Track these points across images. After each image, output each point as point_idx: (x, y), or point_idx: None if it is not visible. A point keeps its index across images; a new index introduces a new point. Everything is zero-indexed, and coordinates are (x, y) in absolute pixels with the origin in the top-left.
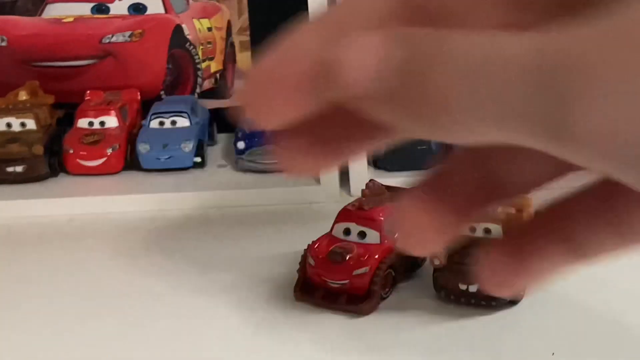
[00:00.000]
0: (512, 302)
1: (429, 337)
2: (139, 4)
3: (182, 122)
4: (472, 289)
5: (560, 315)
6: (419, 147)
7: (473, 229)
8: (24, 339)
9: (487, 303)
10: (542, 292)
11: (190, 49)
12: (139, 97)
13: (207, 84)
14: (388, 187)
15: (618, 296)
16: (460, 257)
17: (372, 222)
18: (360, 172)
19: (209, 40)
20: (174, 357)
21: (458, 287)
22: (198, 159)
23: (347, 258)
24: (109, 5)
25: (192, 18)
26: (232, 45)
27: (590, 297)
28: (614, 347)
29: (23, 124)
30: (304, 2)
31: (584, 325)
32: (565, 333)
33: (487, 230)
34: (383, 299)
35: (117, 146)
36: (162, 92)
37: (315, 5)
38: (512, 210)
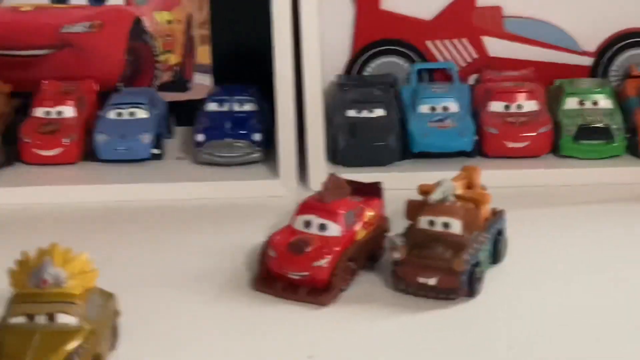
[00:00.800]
0: (470, 296)
1: (388, 329)
2: None
3: (141, 113)
4: (431, 282)
5: (516, 309)
6: (377, 144)
7: (432, 223)
8: None
9: (445, 296)
10: (499, 287)
11: (149, 41)
12: (97, 88)
13: (166, 77)
14: (348, 181)
15: (575, 290)
16: (419, 250)
17: (333, 215)
18: (319, 166)
19: (169, 34)
20: (133, 350)
21: (417, 280)
22: (156, 151)
23: (308, 250)
24: None
25: (153, 10)
26: (192, 38)
27: (547, 291)
28: (570, 339)
29: None
30: None
31: (539, 319)
32: (522, 327)
33: (446, 225)
34: (343, 290)
35: (74, 136)
36: (120, 84)
37: (277, 1)
38: (471, 206)
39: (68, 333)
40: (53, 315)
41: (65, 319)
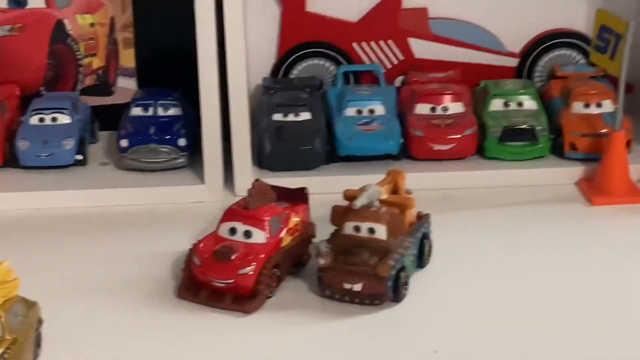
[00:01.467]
0: (396, 301)
1: (315, 335)
2: None
3: (63, 118)
4: (357, 287)
5: (441, 313)
6: (303, 148)
7: (358, 229)
8: None
9: (370, 301)
10: (424, 291)
11: (72, 44)
12: (19, 93)
13: (89, 81)
14: (273, 187)
15: (498, 295)
16: (345, 256)
17: (257, 222)
18: (245, 171)
19: (92, 37)
20: (56, 357)
21: (342, 286)
22: (79, 157)
23: (233, 257)
24: None
25: (75, 13)
26: (115, 42)
27: (472, 293)
28: (494, 340)
29: None
30: (189, 1)
31: (464, 322)
32: (447, 330)
33: (371, 230)
34: (268, 297)
35: None
36: (42, 88)
37: (202, 4)
38: (396, 211)
39: None
40: None
41: None
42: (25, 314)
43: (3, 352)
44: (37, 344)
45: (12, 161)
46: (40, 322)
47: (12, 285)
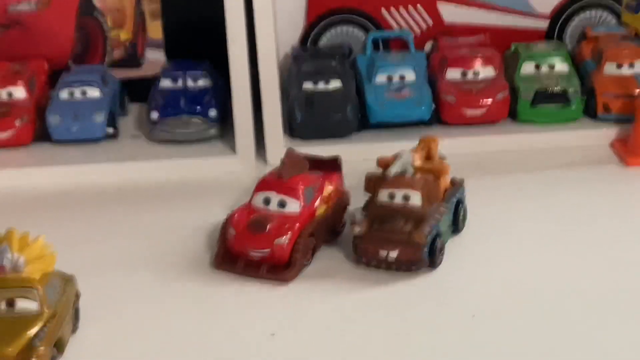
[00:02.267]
0: (432, 267)
1: (351, 303)
2: None
3: (93, 92)
4: (392, 255)
5: (478, 278)
6: (334, 116)
7: (392, 196)
8: None
9: (406, 268)
10: (460, 257)
11: (99, 17)
12: (47, 68)
13: (117, 53)
14: (306, 156)
15: (534, 260)
16: (380, 224)
17: (292, 191)
18: (276, 141)
19: (118, 9)
20: (95, 332)
21: (378, 254)
22: (110, 130)
23: (268, 227)
24: None
25: None
26: (142, 13)
27: (509, 258)
28: (531, 305)
29: None
30: None
31: (501, 286)
32: (484, 295)
33: (406, 197)
34: (304, 266)
35: (26, 118)
36: (70, 62)
37: None
38: (430, 177)
39: (29, 318)
40: (13, 301)
41: (25, 304)
42: (63, 288)
43: (42, 327)
44: (76, 317)
45: (43, 136)
46: (77, 295)
47: (49, 260)
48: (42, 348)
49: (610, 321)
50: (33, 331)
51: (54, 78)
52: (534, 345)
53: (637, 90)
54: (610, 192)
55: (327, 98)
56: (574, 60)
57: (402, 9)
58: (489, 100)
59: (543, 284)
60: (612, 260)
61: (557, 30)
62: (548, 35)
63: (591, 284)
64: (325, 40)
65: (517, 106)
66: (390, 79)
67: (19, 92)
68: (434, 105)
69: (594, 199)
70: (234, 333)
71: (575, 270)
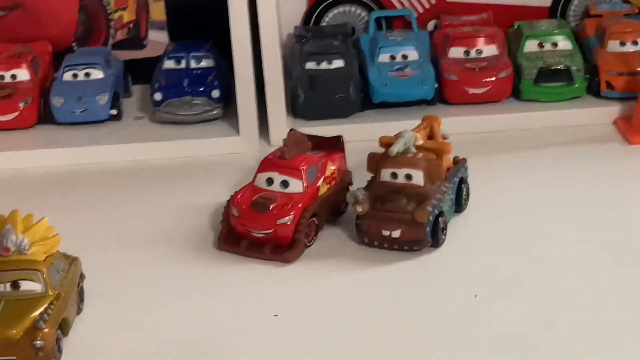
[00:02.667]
0: (435, 246)
1: (354, 282)
2: None
3: (96, 74)
4: (395, 234)
5: (481, 257)
6: (337, 95)
7: (395, 175)
8: None
9: (409, 247)
10: (463, 236)
11: None
12: (51, 49)
13: (121, 35)
14: (309, 136)
15: (537, 238)
16: (382, 203)
17: (294, 171)
18: (280, 121)
19: None
20: (99, 312)
21: (381, 233)
22: (114, 112)
23: (271, 207)
24: None
25: None
26: None
27: (511, 237)
28: (534, 285)
29: None
30: None
31: (504, 266)
32: (486, 274)
33: (409, 176)
34: (307, 246)
35: (30, 100)
36: (74, 44)
37: None
38: (432, 156)
39: (33, 300)
40: (17, 282)
41: (30, 285)
42: (67, 270)
43: (46, 308)
44: (80, 298)
45: (47, 118)
46: (82, 277)
47: (53, 241)
48: (46, 330)
49: (614, 297)
50: (37, 313)
51: (57, 60)
52: (536, 323)
53: None
54: (614, 169)
55: (329, 78)
56: (577, 37)
57: None
58: (492, 79)
59: (546, 263)
60: (615, 238)
61: (560, 7)
62: (551, 12)
63: (595, 262)
64: (327, 20)
65: (520, 84)
66: (393, 58)
67: (23, 74)
68: (436, 84)
69: (598, 177)
70: (237, 313)
71: (579, 248)
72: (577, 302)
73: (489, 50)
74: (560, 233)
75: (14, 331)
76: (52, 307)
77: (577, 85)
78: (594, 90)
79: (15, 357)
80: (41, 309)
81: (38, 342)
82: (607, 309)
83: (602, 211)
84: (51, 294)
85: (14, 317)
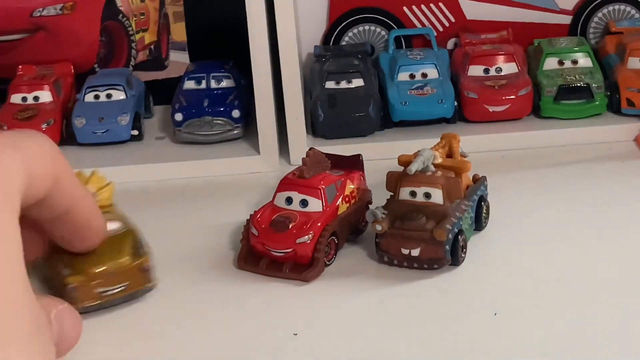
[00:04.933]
0: (454, 265)
1: (374, 301)
2: None
3: (118, 94)
4: (415, 252)
5: (501, 275)
6: (356, 114)
7: (414, 194)
8: None
9: (429, 266)
10: (483, 254)
11: (123, 20)
12: (73, 71)
13: (142, 56)
14: (328, 155)
15: (558, 256)
16: (401, 221)
17: (313, 190)
18: (299, 140)
19: (142, 12)
20: (118, 332)
21: (400, 252)
22: (135, 132)
23: (290, 226)
24: None
25: None
26: (166, 16)
27: (532, 256)
28: (555, 304)
29: None
30: None
31: (524, 284)
32: (506, 293)
33: (427, 195)
34: (327, 265)
35: (52, 121)
36: (96, 65)
37: None
38: (451, 174)
39: (116, 236)
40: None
41: (112, 225)
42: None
43: (132, 238)
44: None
45: (69, 139)
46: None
47: (110, 188)
48: (148, 253)
49: (638, 319)
50: (130, 243)
51: (79, 81)
52: (558, 344)
53: None
54: (635, 187)
55: (349, 97)
56: (597, 55)
57: (423, 6)
58: (512, 97)
59: (567, 282)
60: (638, 256)
61: (580, 24)
62: (571, 29)
63: (617, 281)
64: (347, 40)
65: (540, 102)
66: (412, 76)
67: (45, 95)
68: (456, 102)
69: (619, 194)
70: (257, 333)
71: (601, 267)
72: (599, 323)
73: (509, 68)
74: (582, 252)
75: (126, 258)
76: (135, 236)
77: (597, 103)
78: (614, 107)
79: (128, 283)
80: (129, 240)
81: (146, 264)
82: (630, 332)
83: (623, 229)
84: (127, 229)
85: (114, 250)
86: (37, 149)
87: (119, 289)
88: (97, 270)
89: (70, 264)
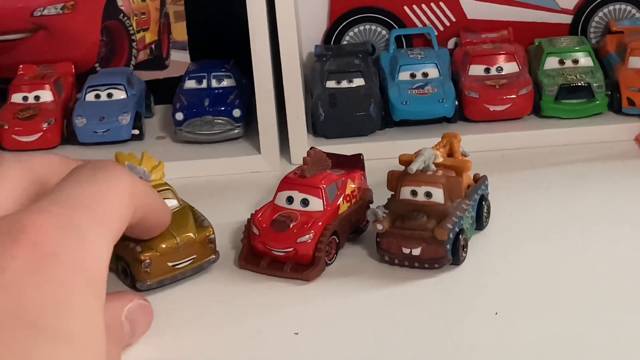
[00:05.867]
0: (455, 264)
1: (374, 300)
2: None
3: (119, 94)
4: (415, 252)
5: (502, 275)
6: (357, 114)
7: (414, 193)
8: None
9: (430, 265)
10: (484, 253)
11: (124, 20)
12: (74, 71)
13: (142, 55)
14: (329, 154)
15: (559, 256)
16: (402, 221)
17: (314, 190)
18: (300, 140)
19: (143, 11)
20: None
21: (401, 251)
22: (136, 131)
23: (291, 226)
24: None
25: None
26: (167, 15)
27: (533, 255)
28: (556, 303)
29: None
30: None
31: (525, 283)
32: (508, 292)
33: (428, 194)
34: (328, 265)
35: (53, 120)
36: (96, 65)
37: None
38: (452, 173)
39: (178, 211)
40: None
41: (171, 202)
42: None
43: (193, 213)
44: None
45: (69, 138)
46: None
47: (161, 167)
48: (210, 227)
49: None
50: (192, 217)
51: (80, 81)
52: (558, 343)
53: None
54: (636, 187)
55: (350, 96)
56: (598, 54)
57: (424, 6)
58: (513, 96)
59: (568, 282)
60: (639, 256)
61: (581, 24)
62: (572, 29)
63: (618, 281)
64: (348, 39)
65: (541, 101)
66: (413, 76)
67: (46, 95)
68: (457, 102)
69: (620, 194)
70: (258, 332)
71: (602, 267)
72: (599, 323)
73: (510, 67)
74: (583, 251)
75: (191, 232)
76: (194, 210)
77: (598, 102)
78: (615, 106)
79: (195, 255)
80: (190, 214)
81: (212, 236)
82: (630, 332)
83: (624, 229)
84: (185, 204)
85: (179, 225)
86: (129, 187)
87: (189, 262)
88: (167, 246)
89: (140, 240)
